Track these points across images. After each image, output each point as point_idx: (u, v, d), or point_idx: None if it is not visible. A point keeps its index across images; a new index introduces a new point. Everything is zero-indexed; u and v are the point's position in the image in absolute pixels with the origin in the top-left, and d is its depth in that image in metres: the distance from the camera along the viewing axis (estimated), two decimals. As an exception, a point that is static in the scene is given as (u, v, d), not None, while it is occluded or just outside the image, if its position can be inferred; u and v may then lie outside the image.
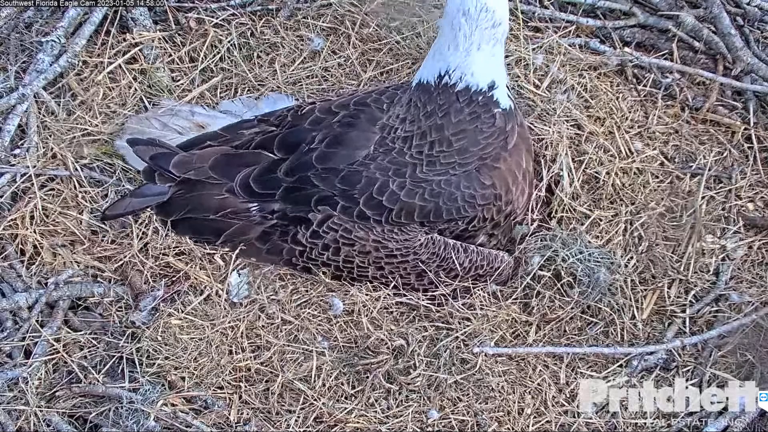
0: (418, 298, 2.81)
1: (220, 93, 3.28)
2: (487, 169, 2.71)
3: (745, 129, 3.28)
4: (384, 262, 2.73)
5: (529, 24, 3.42)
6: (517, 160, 2.78)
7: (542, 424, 2.65)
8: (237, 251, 2.82)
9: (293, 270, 2.84)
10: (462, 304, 2.80)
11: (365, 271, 2.76)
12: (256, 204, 2.76)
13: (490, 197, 2.72)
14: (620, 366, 2.77)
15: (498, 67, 2.72)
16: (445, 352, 2.70)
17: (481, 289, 2.84)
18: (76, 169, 2.98)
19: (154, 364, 2.64)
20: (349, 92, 3.15)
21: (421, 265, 2.73)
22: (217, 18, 3.36)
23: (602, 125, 3.20)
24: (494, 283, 2.85)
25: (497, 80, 2.70)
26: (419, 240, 2.70)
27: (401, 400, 2.65)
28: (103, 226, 2.93)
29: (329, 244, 2.71)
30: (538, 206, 3.05)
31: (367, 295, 2.79)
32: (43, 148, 3.02)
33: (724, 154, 3.25)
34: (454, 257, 2.73)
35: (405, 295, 2.81)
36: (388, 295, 2.80)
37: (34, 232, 2.86)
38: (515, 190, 2.78)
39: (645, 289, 2.91)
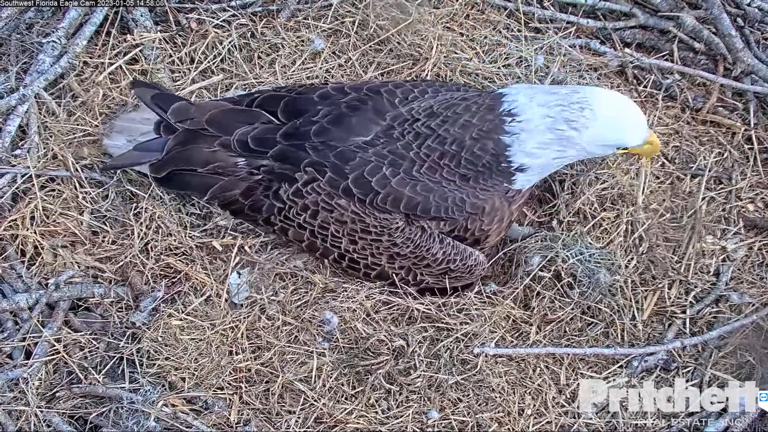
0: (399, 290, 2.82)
1: (220, 93, 3.28)
2: (481, 194, 2.70)
3: (746, 130, 3.28)
4: (358, 236, 2.70)
5: (529, 25, 3.42)
6: (511, 211, 2.77)
7: (542, 425, 2.65)
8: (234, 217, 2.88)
9: (271, 230, 2.83)
10: (458, 309, 2.80)
11: (338, 241, 2.73)
12: (244, 160, 2.75)
13: (479, 208, 2.69)
14: (620, 367, 2.77)
15: (546, 167, 2.69)
16: (445, 352, 2.70)
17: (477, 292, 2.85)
18: (77, 170, 2.98)
19: (154, 364, 2.65)
20: (366, 79, 3.17)
21: (393, 248, 2.71)
22: (217, 19, 3.36)
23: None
24: (464, 282, 2.84)
25: (531, 169, 2.65)
26: (397, 223, 2.68)
27: (401, 401, 2.65)
28: (103, 226, 2.93)
29: (309, 205, 2.69)
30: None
31: (354, 299, 2.79)
32: (44, 148, 3.02)
33: (725, 155, 3.25)
34: (429, 246, 2.71)
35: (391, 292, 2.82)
36: (379, 292, 2.82)
37: (35, 232, 2.87)
38: (494, 228, 2.76)
39: (645, 290, 2.91)
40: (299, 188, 2.69)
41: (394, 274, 2.78)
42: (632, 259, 2.95)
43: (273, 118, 2.80)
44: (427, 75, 3.23)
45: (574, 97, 2.54)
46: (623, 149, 2.63)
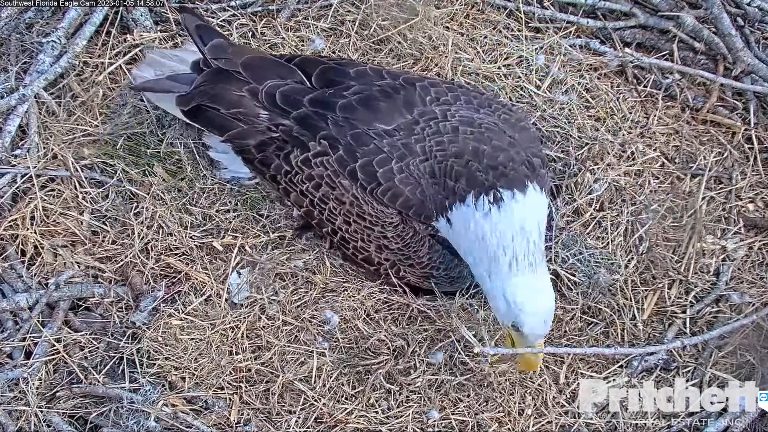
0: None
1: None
2: None
3: (746, 129, 3.28)
4: (353, 219, 2.72)
5: (529, 25, 3.42)
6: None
7: (543, 425, 2.65)
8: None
9: (275, 188, 2.85)
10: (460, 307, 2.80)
11: (334, 218, 2.75)
12: (267, 113, 2.77)
13: None
14: (620, 366, 2.77)
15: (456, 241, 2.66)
16: (445, 352, 2.70)
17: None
18: (77, 170, 2.98)
19: (154, 364, 2.65)
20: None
21: (383, 239, 2.73)
22: (217, 19, 3.36)
23: (603, 126, 3.20)
24: (444, 290, 2.84)
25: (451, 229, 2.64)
26: (392, 218, 2.69)
27: (401, 401, 2.65)
28: (103, 226, 2.93)
29: (314, 176, 2.71)
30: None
31: (355, 299, 2.80)
32: (44, 148, 3.02)
33: (725, 155, 3.24)
34: (417, 248, 2.73)
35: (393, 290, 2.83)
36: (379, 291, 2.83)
37: (35, 232, 2.87)
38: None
39: (645, 290, 2.91)
40: (309, 158, 2.71)
41: (379, 263, 2.79)
42: (632, 258, 2.95)
43: (306, 80, 2.82)
44: (430, 75, 3.23)
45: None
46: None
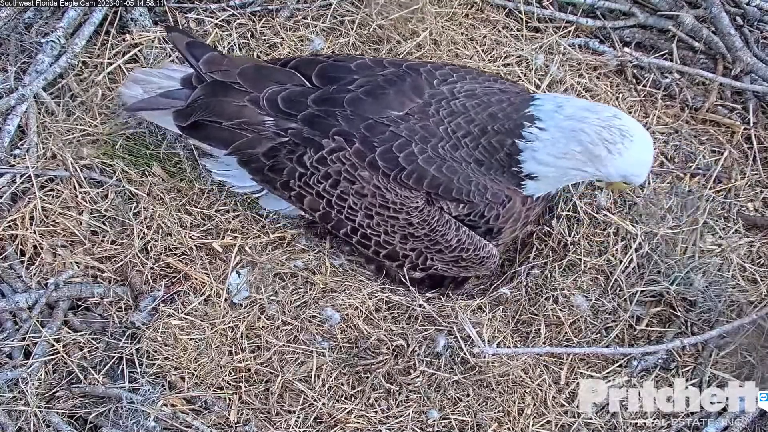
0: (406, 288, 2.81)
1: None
2: (499, 186, 2.67)
3: (745, 129, 3.28)
4: (376, 211, 2.69)
5: (529, 24, 3.42)
6: (527, 215, 2.78)
7: (542, 425, 2.66)
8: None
9: (287, 196, 2.81)
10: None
11: (354, 215, 2.71)
12: (272, 119, 2.72)
13: (499, 198, 2.67)
14: (620, 366, 2.77)
15: (559, 178, 2.66)
16: (445, 352, 2.70)
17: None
18: (76, 170, 2.98)
19: (154, 364, 2.65)
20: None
21: (409, 227, 2.70)
22: (217, 18, 3.36)
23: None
24: (473, 272, 2.81)
25: (542, 179, 2.64)
26: (417, 203, 2.66)
27: (401, 401, 2.65)
28: (103, 226, 2.93)
29: (331, 174, 2.68)
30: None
31: (356, 298, 2.80)
32: (43, 148, 3.02)
33: (724, 154, 3.24)
34: (444, 231, 2.70)
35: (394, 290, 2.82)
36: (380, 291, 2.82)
37: (34, 232, 2.86)
38: (509, 226, 2.75)
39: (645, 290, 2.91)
40: (324, 156, 2.67)
41: (404, 256, 2.77)
42: (632, 259, 2.95)
43: (306, 81, 2.78)
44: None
45: (615, 122, 2.52)
46: (624, 182, 2.63)
